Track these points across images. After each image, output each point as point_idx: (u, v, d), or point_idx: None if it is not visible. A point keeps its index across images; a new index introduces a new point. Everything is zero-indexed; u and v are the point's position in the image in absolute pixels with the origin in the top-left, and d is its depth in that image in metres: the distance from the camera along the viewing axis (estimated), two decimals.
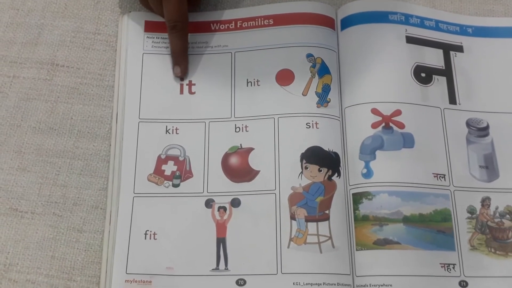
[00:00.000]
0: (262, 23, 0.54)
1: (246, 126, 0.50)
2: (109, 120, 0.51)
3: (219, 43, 0.54)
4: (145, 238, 0.46)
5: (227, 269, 0.45)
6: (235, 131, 0.50)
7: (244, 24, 0.54)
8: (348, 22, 0.54)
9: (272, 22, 0.54)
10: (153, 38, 0.54)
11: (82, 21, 0.55)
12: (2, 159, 0.49)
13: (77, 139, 0.50)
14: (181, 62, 0.52)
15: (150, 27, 0.54)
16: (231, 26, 0.54)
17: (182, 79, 0.52)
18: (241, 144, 0.49)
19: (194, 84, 0.52)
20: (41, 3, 0.56)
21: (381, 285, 0.44)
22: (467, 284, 0.45)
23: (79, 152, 0.50)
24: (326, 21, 0.54)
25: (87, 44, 0.54)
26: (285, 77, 0.51)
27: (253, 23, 0.54)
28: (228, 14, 0.55)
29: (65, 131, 0.51)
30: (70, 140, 0.50)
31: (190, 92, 0.52)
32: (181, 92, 0.52)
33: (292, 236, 0.46)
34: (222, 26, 0.54)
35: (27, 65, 0.53)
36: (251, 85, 0.52)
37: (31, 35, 0.54)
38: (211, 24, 0.55)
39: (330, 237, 0.46)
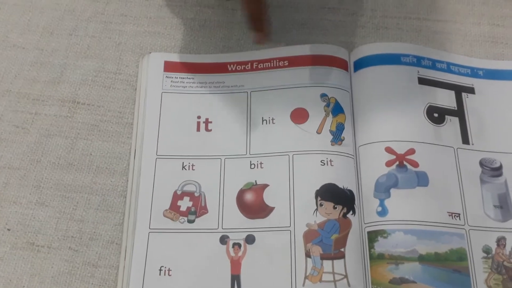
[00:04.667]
0: (278, 65, 0.56)
1: (261, 163, 0.51)
2: (127, 157, 0.52)
3: (236, 83, 0.55)
4: (160, 274, 0.46)
5: None
6: (250, 168, 0.51)
7: (260, 65, 0.56)
8: (361, 63, 0.55)
9: (287, 64, 0.56)
10: (172, 78, 0.55)
11: (104, 61, 0.57)
12: (21, 193, 0.50)
13: (95, 175, 0.51)
14: (259, 26, 0.49)
15: (169, 67, 0.56)
16: (247, 67, 0.56)
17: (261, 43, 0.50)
18: (256, 181, 0.50)
19: (211, 122, 0.53)
20: (64, 44, 0.58)
21: None
22: None
23: (97, 188, 0.51)
24: (339, 63, 0.55)
25: (108, 83, 0.56)
26: (299, 116, 0.52)
27: (268, 64, 0.56)
28: (245, 56, 0.57)
29: (84, 167, 0.52)
30: (89, 176, 0.51)
31: (207, 129, 0.53)
32: (198, 129, 0.53)
33: (307, 274, 0.46)
34: (238, 67, 0.56)
35: (49, 103, 0.55)
36: (267, 123, 0.53)
37: (54, 74, 0.56)
38: (228, 65, 0.56)
39: (346, 276, 0.46)
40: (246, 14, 0.50)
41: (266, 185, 0.50)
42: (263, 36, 0.51)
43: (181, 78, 0.55)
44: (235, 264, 0.47)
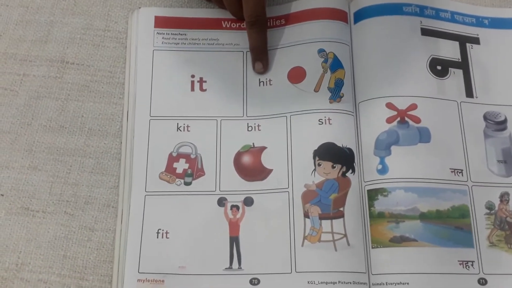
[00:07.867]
0: (274, 24, 0.53)
1: (258, 125, 0.49)
2: (120, 118, 0.51)
3: (231, 41, 0.53)
4: (157, 237, 0.46)
5: (241, 268, 0.45)
6: (248, 130, 0.49)
7: None
8: (361, 15, 0.53)
9: (284, 22, 0.53)
10: (163, 34, 0.53)
11: (92, 18, 0.55)
12: (13, 158, 0.49)
13: (88, 137, 0.50)
14: (263, 58, 0.51)
15: (160, 22, 0.53)
16: (243, 25, 0.53)
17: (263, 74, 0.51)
18: (253, 143, 0.49)
19: (205, 81, 0.51)
20: (50, 0, 0.55)
21: (398, 283, 0.43)
22: (486, 281, 0.44)
23: (90, 150, 0.50)
24: (338, 15, 0.53)
25: (97, 41, 0.54)
26: (296, 75, 0.51)
27: None
28: None
29: (76, 129, 0.50)
30: (81, 138, 0.50)
31: (201, 89, 0.51)
32: (192, 89, 0.51)
33: (306, 234, 0.45)
34: (233, 25, 0.54)
35: (37, 63, 0.53)
36: (263, 85, 0.51)
37: (41, 33, 0.54)
38: (222, 22, 0.54)
39: (345, 235, 0.45)
40: (250, 46, 0.51)
41: (263, 148, 0.48)
42: (266, 66, 0.51)
43: (173, 34, 0.53)
44: (234, 226, 0.46)
